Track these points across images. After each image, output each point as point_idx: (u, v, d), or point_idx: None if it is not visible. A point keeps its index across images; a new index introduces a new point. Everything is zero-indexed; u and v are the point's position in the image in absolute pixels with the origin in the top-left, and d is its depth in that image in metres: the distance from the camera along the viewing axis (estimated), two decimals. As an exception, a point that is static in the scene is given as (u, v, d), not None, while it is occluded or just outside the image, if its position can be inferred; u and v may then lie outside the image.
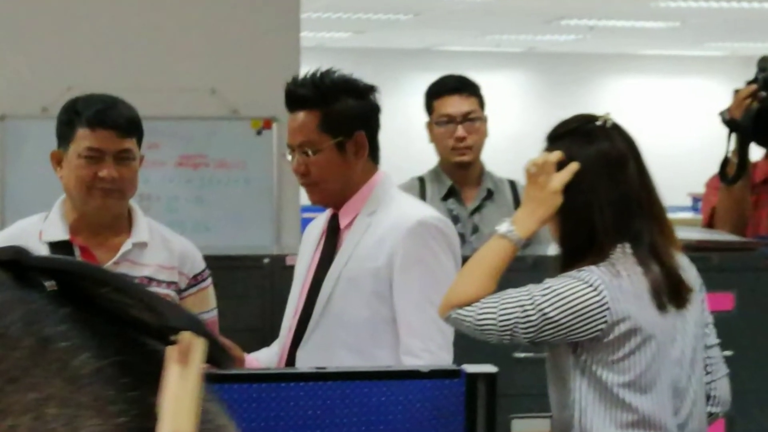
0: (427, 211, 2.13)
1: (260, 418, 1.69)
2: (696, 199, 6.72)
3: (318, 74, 2.10)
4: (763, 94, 2.79)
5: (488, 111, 3.07)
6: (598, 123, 1.96)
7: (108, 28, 3.79)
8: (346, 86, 2.11)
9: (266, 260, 2.88)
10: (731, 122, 2.81)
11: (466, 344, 2.07)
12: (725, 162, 2.85)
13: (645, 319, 1.88)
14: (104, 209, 2.10)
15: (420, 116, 3.13)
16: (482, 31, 10.07)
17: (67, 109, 2.13)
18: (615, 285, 1.87)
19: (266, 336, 2.38)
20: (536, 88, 11.63)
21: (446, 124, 3.00)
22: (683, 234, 2.19)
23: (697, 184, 3.71)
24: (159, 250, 2.14)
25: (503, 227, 1.94)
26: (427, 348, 2.02)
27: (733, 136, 2.82)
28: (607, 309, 1.86)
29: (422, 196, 2.95)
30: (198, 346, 0.42)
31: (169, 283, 2.14)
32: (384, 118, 2.16)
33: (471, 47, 11.01)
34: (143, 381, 0.42)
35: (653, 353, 1.88)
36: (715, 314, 2.06)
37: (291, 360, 2.11)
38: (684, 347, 1.92)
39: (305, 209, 3.74)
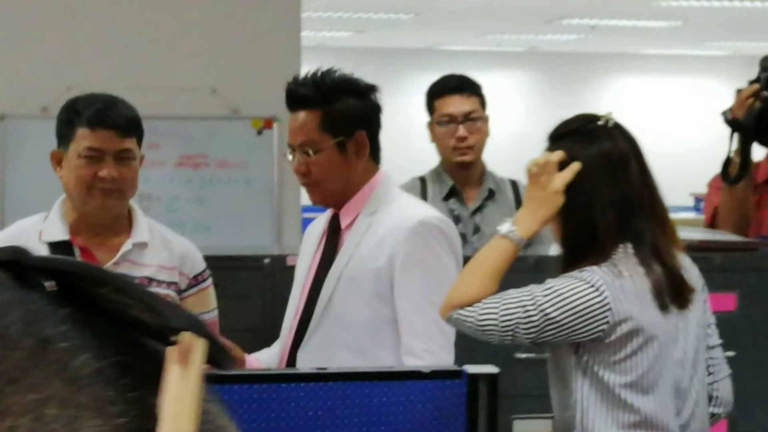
0: (428, 211, 2.12)
1: (261, 418, 1.69)
2: (698, 199, 6.72)
3: (319, 74, 2.10)
4: (766, 93, 2.78)
5: (489, 111, 3.07)
6: (600, 123, 1.96)
7: (108, 28, 3.79)
8: (347, 86, 2.10)
9: (267, 260, 2.88)
10: (733, 122, 2.80)
11: (468, 345, 2.06)
12: (727, 162, 2.84)
13: (647, 320, 1.88)
14: (104, 209, 2.10)
15: (421, 116, 3.12)
16: (483, 31, 10.07)
17: (67, 109, 2.13)
18: (617, 285, 1.87)
19: (267, 336, 2.38)
20: (538, 88, 11.62)
21: (447, 123, 3.00)
22: (685, 234, 2.19)
23: (700, 184, 3.70)
24: (159, 250, 2.14)
25: (505, 227, 1.93)
26: (429, 348, 2.01)
27: (736, 135, 2.82)
28: (609, 309, 1.86)
29: (423, 196, 2.95)
30: (198, 347, 0.42)
31: (170, 284, 2.13)
32: (385, 118, 2.15)
33: (472, 47, 11.01)
34: (143, 382, 0.42)
35: (655, 354, 1.88)
36: (718, 315, 2.05)
37: (292, 361, 2.10)
38: (686, 348, 1.92)
39: (306, 209, 3.73)
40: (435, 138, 3.05)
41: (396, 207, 2.09)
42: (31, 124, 3.69)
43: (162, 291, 2.09)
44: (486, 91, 3.08)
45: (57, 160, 2.12)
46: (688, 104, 11.77)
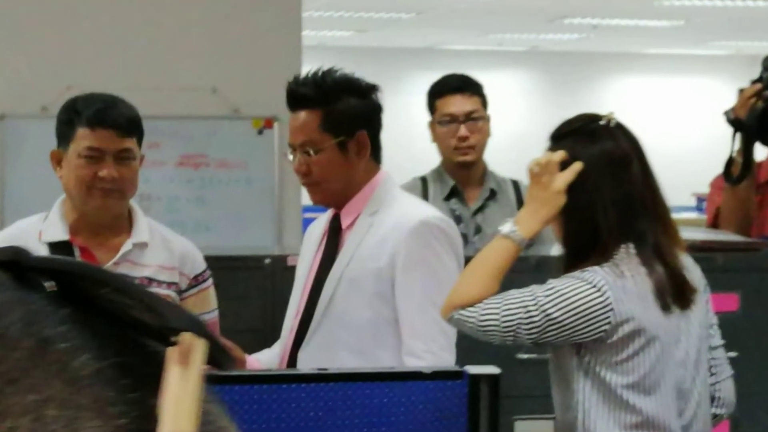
0: (429, 211, 2.12)
1: (261, 419, 1.68)
2: (700, 199, 6.71)
3: (320, 73, 2.09)
4: (768, 93, 2.77)
5: (491, 110, 3.06)
6: (602, 122, 1.95)
7: (108, 27, 3.78)
8: (348, 85, 2.10)
9: (267, 261, 2.87)
10: (736, 122, 2.80)
11: (469, 345, 2.06)
12: (730, 162, 2.84)
13: (649, 320, 1.87)
14: (104, 209, 2.09)
15: (422, 116, 3.12)
16: (485, 30, 10.06)
17: (66, 109, 2.13)
18: (619, 286, 1.86)
19: (267, 337, 2.37)
20: (539, 88, 11.62)
21: (449, 123, 2.99)
22: (687, 234, 2.18)
23: (702, 184, 3.70)
24: (159, 250, 2.13)
25: (506, 227, 1.93)
26: (430, 349, 2.01)
27: (738, 135, 2.81)
28: (611, 310, 1.85)
29: (424, 196, 2.94)
30: (199, 347, 0.42)
31: (170, 284, 2.13)
32: (386, 118, 2.15)
33: (473, 46, 11.00)
34: (143, 382, 0.42)
35: (657, 354, 1.87)
36: (720, 315, 2.05)
37: (292, 361, 2.10)
38: (688, 348, 1.91)
39: (307, 209, 3.73)
40: (436, 138, 3.04)
41: (397, 207, 2.08)
42: (30, 124, 3.69)
43: (162, 291, 2.08)
44: (487, 90, 3.08)
45: (57, 160, 2.12)
46: (691, 104, 11.76)
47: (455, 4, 8.38)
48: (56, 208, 2.14)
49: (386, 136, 2.16)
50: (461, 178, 3.01)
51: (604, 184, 1.91)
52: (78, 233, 2.11)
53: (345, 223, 2.12)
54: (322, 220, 2.20)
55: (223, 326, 2.22)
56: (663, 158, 2.78)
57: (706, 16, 8.91)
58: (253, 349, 2.18)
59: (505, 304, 1.86)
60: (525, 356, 2.52)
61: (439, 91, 3.04)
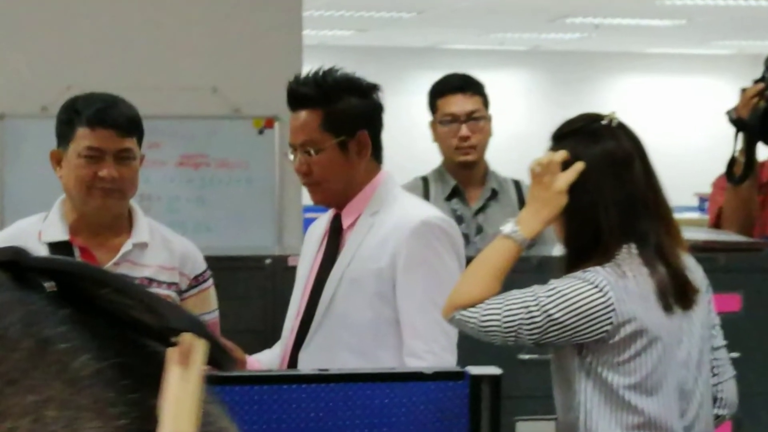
0: (430, 211, 2.11)
1: (262, 420, 1.68)
2: (702, 199, 6.70)
3: (320, 73, 2.09)
4: (770, 92, 2.77)
5: (492, 110, 3.06)
6: (604, 122, 1.95)
7: (108, 27, 3.78)
8: (349, 85, 2.09)
9: (268, 261, 2.87)
10: (738, 121, 2.79)
11: (470, 346, 2.05)
12: (732, 162, 2.83)
13: (651, 321, 1.87)
14: (104, 209, 2.09)
15: (423, 115, 3.11)
16: (486, 30, 10.06)
17: (66, 108, 2.12)
18: (620, 286, 1.86)
19: (268, 337, 2.37)
20: (541, 87, 11.61)
21: (450, 123, 2.99)
22: (690, 234, 2.18)
23: (704, 184, 3.69)
24: (160, 250, 2.13)
25: (508, 228, 1.92)
26: (431, 349, 2.00)
27: (740, 135, 2.81)
28: (613, 310, 1.85)
29: (426, 196, 2.94)
30: (199, 348, 0.42)
31: (170, 284, 2.12)
32: (387, 117, 2.14)
33: (475, 45, 11.00)
34: (144, 383, 0.42)
35: (659, 355, 1.87)
36: (722, 315, 2.04)
37: (293, 362, 2.09)
38: (690, 349, 1.91)
39: (307, 209, 3.72)
40: (437, 137, 3.04)
41: (398, 207, 2.08)
42: (30, 124, 3.68)
43: (162, 292, 2.08)
44: (489, 90, 3.07)
45: (57, 160, 2.11)
46: (693, 103, 11.75)
47: (456, 3, 8.38)
48: (56, 208, 2.14)
49: (387, 136, 2.15)
50: (462, 178, 3.00)
51: (606, 184, 1.90)
52: (78, 233, 2.11)
53: (346, 223, 2.11)
54: (322, 221, 2.20)
55: (223, 327, 2.21)
56: (665, 158, 2.77)
57: (708, 15, 8.90)
58: (253, 349, 2.17)
59: (507, 305, 1.85)
60: (526, 357, 2.51)
61: (441, 90, 3.04)
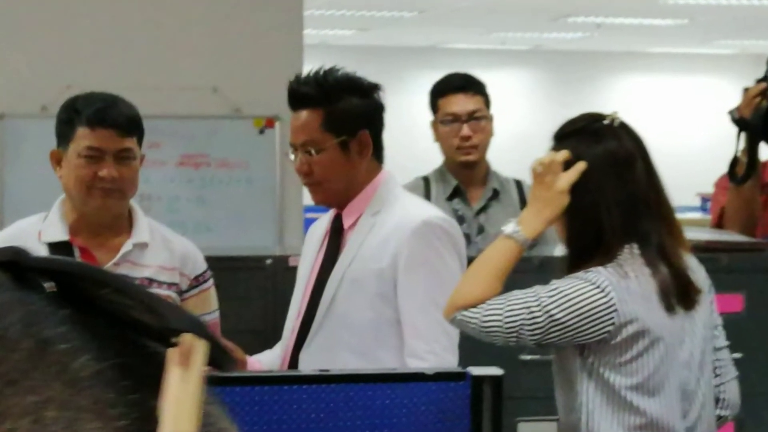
0: (431, 211, 2.11)
1: (262, 421, 1.67)
2: (705, 199, 6.69)
3: (321, 72, 2.08)
4: (773, 92, 2.76)
5: (494, 110, 3.05)
6: (606, 122, 1.94)
7: (108, 26, 3.78)
8: (350, 84, 2.09)
9: (269, 261, 2.86)
10: (740, 121, 2.78)
11: (472, 346, 2.05)
12: (734, 161, 2.83)
13: (653, 321, 1.86)
14: (104, 209, 2.08)
15: (425, 115, 3.10)
16: (488, 29, 10.05)
17: (66, 108, 2.12)
18: (622, 286, 1.85)
19: (269, 338, 2.36)
20: (543, 87, 11.60)
21: (451, 123, 2.98)
22: (692, 234, 2.17)
23: (706, 183, 3.68)
24: (160, 250, 2.12)
25: (509, 228, 1.92)
26: (432, 350, 2.00)
27: (743, 135, 2.80)
28: (615, 311, 1.84)
29: (427, 196, 2.93)
30: (199, 349, 0.42)
31: (170, 285, 2.12)
32: (388, 117, 2.14)
33: (476, 45, 10.99)
34: (144, 384, 0.41)
35: (661, 355, 1.86)
36: (724, 316, 2.04)
37: (294, 362, 2.09)
38: (692, 349, 1.90)
39: (308, 209, 3.72)
40: (439, 137, 3.03)
41: (399, 207, 2.07)
42: (30, 124, 3.68)
43: (163, 292, 2.07)
44: (490, 89, 3.06)
45: (56, 160, 2.11)
46: (695, 103, 11.74)
47: (458, 2, 8.37)
48: (56, 208, 2.13)
49: (388, 136, 2.15)
50: (464, 177, 3.00)
51: (608, 184, 1.89)
52: (78, 233, 2.10)
53: (347, 223, 2.11)
54: (323, 221, 2.19)
55: (224, 327, 2.21)
56: (667, 158, 2.77)
57: (710, 14, 8.89)
58: (254, 350, 2.17)
59: (508, 305, 1.85)
60: (528, 357, 2.51)
61: (442, 90, 3.03)
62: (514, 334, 1.85)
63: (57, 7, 3.77)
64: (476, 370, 1.76)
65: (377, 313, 2.03)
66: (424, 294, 2.01)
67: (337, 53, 7.28)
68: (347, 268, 2.06)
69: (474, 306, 1.86)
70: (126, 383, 0.41)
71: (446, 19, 9.30)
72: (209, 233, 3.73)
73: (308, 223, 2.62)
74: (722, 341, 2.00)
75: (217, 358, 0.43)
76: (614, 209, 1.89)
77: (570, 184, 1.90)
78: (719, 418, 2.00)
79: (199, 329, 0.42)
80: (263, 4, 3.87)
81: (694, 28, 9.67)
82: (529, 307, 1.84)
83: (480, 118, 2.99)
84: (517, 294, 1.87)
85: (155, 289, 2.05)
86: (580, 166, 1.90)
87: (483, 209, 3.00)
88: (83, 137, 2.07)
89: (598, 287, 1.85)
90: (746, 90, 2.82)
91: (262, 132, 3.87)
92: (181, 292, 2.14)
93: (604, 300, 1.84)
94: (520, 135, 8.90)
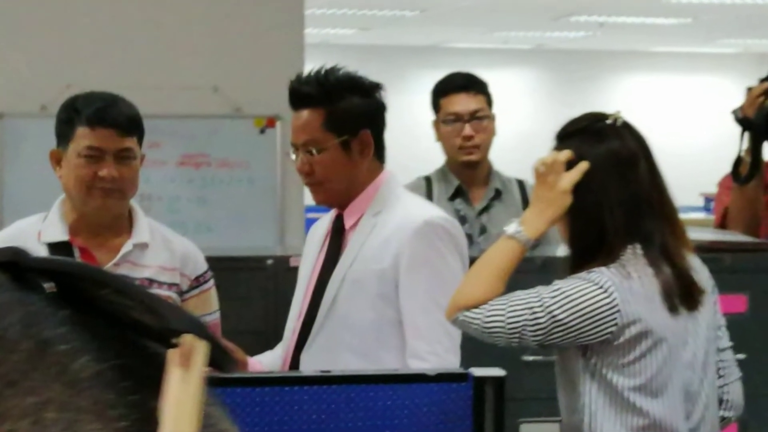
0: (433, 211, 2.10)
1: (263, 422, 1.67)
2: (708, 199, 6.68)
3: (322, 72, 2.07)
4: (776, 91, 2.75)
5: (496, 109, 3.04)
6: (609, 121, 1.93)
7: (108, 25, 3.77)
8: (351, 84, 2.08)
9: (270, 261, 2.86)
10: (744, 120, 2.77)
11: (474, 347, 2.04)
12: (738, 161, 2.82)
13: (656, 322, 1.85)
14: (104, 209, 2.08)
15: (426, 114, 3.10)
16: (490, 28, 10.04)
17: (66, 108, 2.11)
18: (625, 287, 1.84)
19: (270, 339, 2.36)
20: (545, 86, 11.59)
21: (453, 122, 2.97)
22: (695, 235, 2.16)
23: (710, 183, 3.68)
24: (160, 251, 2.11)
25: (511, 228, 1.91)
26: (434, 351, 1.99)
27: (746, 134, 2.79)
28: (618, 311, 1.84)
29: (429, 195, 2.93)
30: (200, 349, 0.41)
31: (171, 285, 2.11)
32: (390, 117, 2.13)
33: (478, 44, 10.98)
34: (144, 385, 0.41)
35: (664, 356, 1.85)
36: (728, 316, 2.03)
37: (295, 363, 2.08)
38: (696, 350, 1.89)
39: (309, 209, 3.71)
40: (440, 137, 3.02)
41: (401, 207, 2.07)
42: (30, 123, 3.68)
43: (163, 292, 2.07)
44: (492, 89, 3.06)
45: (56, 160, 2.10)
46: (698, 102, 11.72)
47: (459, 1, 8.36)
48: (56, 209, 2.13)
49: (390, 136, 2.14)
50: (466, 177, 2.99)
51: (611, 183, 1.89)
52: (78, 234, 2.10)
53: (348, 223, 2.10)
54: (325, 221, 2.18)
55: (224, 328, 2.20)
56: (670, 158, 2.76)
57: (713, 13, 8.88)
58: (255, 351, 2.16)
59: (511, 306, 1.84)
60: (530, 358, 2.50)
61: (444, 89, 3.02)
62: (517, 335, 1.84)
63: (57, 6, 3.77)
64: (478, 371, 1.75)
65: (379, 313, 2.02)
66: (425, 294, 2.00)
67: (339, 52, 7.27)
68: (348, 268, 2.06)
69: (476, 306, 1.86)
70: (126, 384, 0.41)
71: (448, 18, 9.29)
72: (210, 233, 3.72)
73: (309, 223, 2.62)
74: (726, 342, 2.00)
75: (218, 359, 0.42)
76: (617, 209, 1.88)
77: (573, 184, 1.89)
78: (723, 419, 1.99)
79: (200, 330, 0.42)
80: (264, 3, 3.87)
81: (697, 27, 9.65)
82: (531, 308, 1.84)
83: (482, 118, 2.98)
84: (519, 294, 1.86)
85: (155, 290, 2.04)
86: (583, 165, 1.89)
87: (485, 209, 2.99)
88: (83, 137, 2.06)
89: (600, 288, 1.84)
90: (750, 89, 2.81)
91: (262, 132, 3.87)
92: (181, 293, 2.13)
93: (607, 300, 1.84)
94: (523, 135, 8.89)
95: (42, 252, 2.01)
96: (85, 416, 0.40)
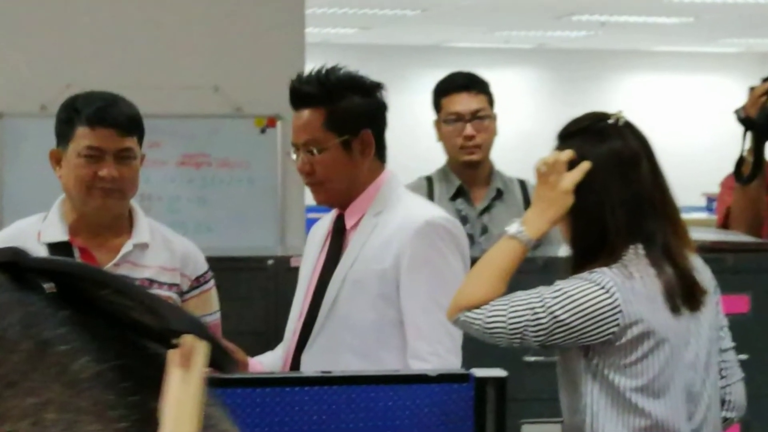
0: (434, 211, 2.09)
1: (264, 423, 1.66)
2: (710, 199, 6.68)
3: (323, 71, 2.07)
4: (779, 91, 2.74)
5: (498, 109, 3.04)
6: (610, 121, 1.93)
7: (108, 25, 3.77)
8: (352, 83, 2.07)
9: (270, 262, 2.85)
10: (746, 120, 2.77)
11: (475, 347, 2.03)
12: (740, 161, 2.81)
13: (658, 322, 1.85)
14: (104, 209, 2.07)
15: (428, 114, 3.09)
16: (491, 27, 10.04)
17: (66, 107, 2.10)
18: (627, 287, 1.84)
19: (270, 339, 2.35)
20: (547, 86, 11.59)
21: (455, 122, 2.97)
22: (697, 235, 2.16)
23: (712, 183, 3.67)
24: (160, 251, 2.11)
25: (513, 228, 1.91)
26: (435, 351, 1.99)
27: (749, 134, 2.79)
28: (620, 312, 1.83)
29: (430, 195, 2.92)
30: (200, 350, 0.41)
31: (171, 285, 2.11)
32: (391, 116, 2.12)
33: (480, 44, 10.98)
34: (144, 385, 0.41)
35: (666, 357, 1.85)
36: (730, 317, 2.03)
37: (296, 364, 2.08)
38: (698, 350, 1.89)
39: (310, 209, 3.71)
40: (442, 137, 3.02)
41: (402, 207, 2.06)
42: (29, 123, 3.67)
43: (163, 293, 2.06)
44: (494, 88, 3.05)
45: (56, 160, 2.10)
46: (700, 102, 11.72)
47: (460, 1, 8.35)
48: (55, 209, 2.12)
49: (391, 135, 2.14)
50: (467, 177, 2.98)
51: (613, 183, 1.88)
52: (78, 234, 2.09)
53: (349, 223, 2.09)
54: (325, 221, 2.18)
55: (225, 328, 2.20)
56: (672, 157, 2.75)
57: (716, 13, 8.87)
58: (255, 351, 2.16)
59: (512, 306, 1.84)
60: (532, 359, 2.49)
61: (445, 89, 3.02)
62: (518, 336, 1.84)
63: (57, 6, 3.76)
64: (480, 372, 1.75)
65: (379, 314, 2.02)
66: (427, 295, 2.00)
67: (339, 52, 7.27)
68: (349, 268, 2.05)
69: (477, 307, 1.85)
70: (126, 385, 0.41)
71: (449, 18, 9.29)
72: (210, 233, 3.72)
73: (310, 223, 2.61)
74: (728, 342, 1.99)
75: (218, 359, 0.42)
76: (619, 209, 1.87)
77: (574, 184, 1.88)
78: (725, 419, 1.99)
79: (200, 330, 0.42)
80: (264, 2, 3.86)
81: (699, 26, 9.65)
82: (533, 308, 1.83)
83: (483, 118, 2.97)
84: (521, 295, 1.86)
85: (156, 290, 2.04)
86: (585, 165, 1.89)
87: (486, 209, 2.98)
88: (83, 137, 2.05)
89: (602, 288, 1.84)
90: (752, 89, 2.81)
91: (263, 131, 3.86)
92: (181, 293, 2.13)
93: (609, 301, 1.83)
94: (524, 134, 8.89)
95: (42, 252, 2.01)
96: (85, 417, 0.39)
